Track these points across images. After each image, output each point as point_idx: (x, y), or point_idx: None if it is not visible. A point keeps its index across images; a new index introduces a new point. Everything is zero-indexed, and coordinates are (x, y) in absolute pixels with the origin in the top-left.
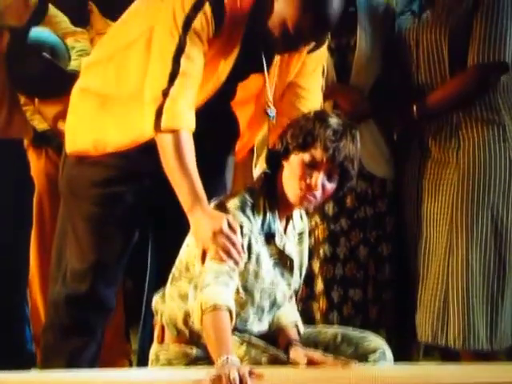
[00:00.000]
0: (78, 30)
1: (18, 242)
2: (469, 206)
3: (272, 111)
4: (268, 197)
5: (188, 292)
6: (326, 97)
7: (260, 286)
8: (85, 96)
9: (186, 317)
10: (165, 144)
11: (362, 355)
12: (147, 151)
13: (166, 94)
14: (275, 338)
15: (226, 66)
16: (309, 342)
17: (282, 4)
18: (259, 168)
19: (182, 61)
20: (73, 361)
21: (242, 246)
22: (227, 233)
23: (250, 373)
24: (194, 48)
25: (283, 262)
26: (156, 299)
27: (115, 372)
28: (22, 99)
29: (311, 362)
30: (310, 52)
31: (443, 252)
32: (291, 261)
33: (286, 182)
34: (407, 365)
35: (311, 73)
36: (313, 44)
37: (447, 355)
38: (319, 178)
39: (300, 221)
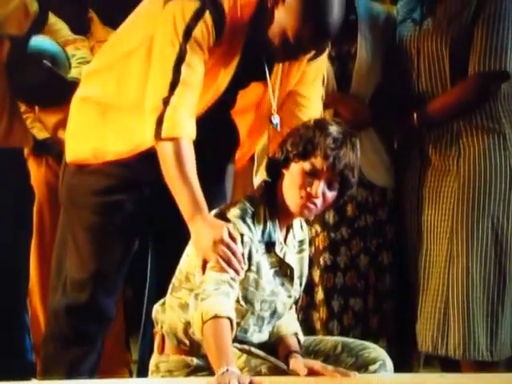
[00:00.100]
0: (79, 38)
1: (18, 250)
2: (469, 215)
3: (276, 119)
4: (268, 205)
5: (188, 302)
6: (326, 105)
7: (260, 296)
8: (85, 104)
9: (187, 327)
10: (165, 152)
11: (362, 365)
12: (147, 160)
13: (166, 102)
14: (275, 347)
15: (226, 75)
16: (309, 352)
17: (283, 13)
18: (260, 176)
19: (183, 69)
20: (73, 370)
21: (243, 256)
22: (228, 242)
23: (250, 383)
24: (195, 56)
25: (283, 271)
26: (156, 309)
27: (115, 382)
28: (23, 108)
29: (311, 372)
30: (310, 61)
31: (443, 261)
32: (291, 270)
33: (286, 191)
34: (407, 374)
35: (311, 81)
36: (313, 53)
37: (447, 365)
38: (319, 186)
39: (300, 230)
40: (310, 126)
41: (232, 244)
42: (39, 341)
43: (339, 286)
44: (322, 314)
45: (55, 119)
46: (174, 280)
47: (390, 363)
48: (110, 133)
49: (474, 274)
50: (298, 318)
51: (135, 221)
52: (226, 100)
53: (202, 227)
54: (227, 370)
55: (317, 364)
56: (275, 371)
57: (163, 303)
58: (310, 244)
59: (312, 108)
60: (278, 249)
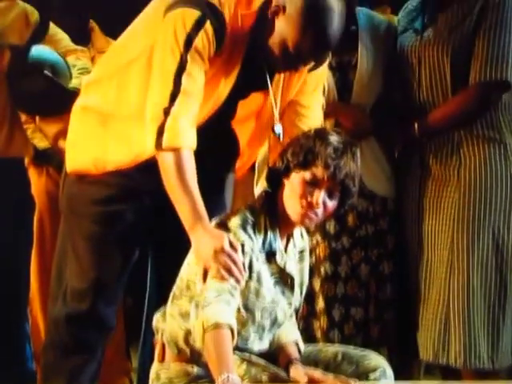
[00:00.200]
0: (79, 48)
1: (18, 259)
2: (470, 225)
3: (278, 128)
4: (269, 215)
5: (189, 310)
6: (327, 115)
7: (261, 305)
8: (85, 114)
9: (187, 335)
10: (166, 162)
11: (363, 373)
12: (147, 169)
13: (167, 112)
14: (276, 356)
15: (226, 85)
16: (309, 361)
17: (283, 24)
18: (260, 186)
19: (184, 79)
20: (73, 379)
21: (243, 265)
22: (228, 251)
23: None
24: (196, 66)
25: (284, 280)
26: (157, 318)
27: None
28: (23, 118)
29: (311, 381)
30: (310, 70)
31: (444, 270)
32: (292, 279)
33: (286, 200)
34: (408, 383)
35: (312, 91)
36: (313, 63)
37: (448, 373)
38: (320, 195)
39: (301, 239)
40: (311, 136)
41: (233, 253)
42: (39, 349)
43: (340, 295)
44: (323, 322)
45: (56, 129)
46: (174, 288)
47: (390, 371)
48: (111, 142)
49: (475, 283)
50: (298, 327)
51: (135, 230)
52: (227, 110)
53: (203, 236)
54: (227, 377)
55: (317, 372)
56: (275, 379)
57: (164, 312)
58: (311, 253)
59: (312, 117)
60: (278, 258)
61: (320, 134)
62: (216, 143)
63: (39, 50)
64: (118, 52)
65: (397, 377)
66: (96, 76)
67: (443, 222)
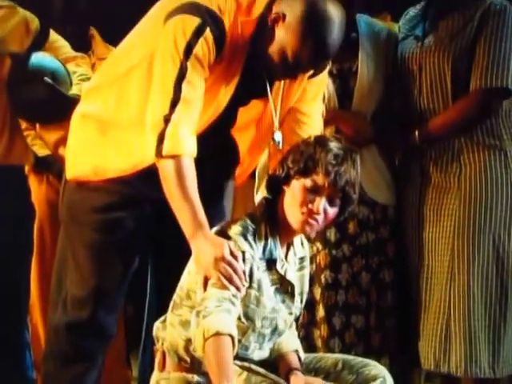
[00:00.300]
0: (79, 55)
1: (18, 267)
2: (470, 232)
3: (278, 136)
4: (269, 223)
5: (189, 319)
6: (328, 123)
7: (261, 313)
8: (85, 121)
9: (188, 344)
10: (166, 170)
11: (363, 382)
12: (148, 177)
13: (167, 119)
14: (276, 365)
15: (227, 92)
16: (309, 369)
17: (283, 32)
18: (261, 194)
19: (184, 87)
20: None
21: (244, 273)
22: (229, 259)
23: None
24: (196, 74)
25: (284, 288)
26: (157, 326)
27: None
28: (24, 125)
29: None
30: (310, 78)
31: (445, 278)
32: (292, 287)
33: (287, 208)
34: None
35: (312, 98)
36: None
37: (449, 382)
38: (321, 202)
39: (301, 247)
40: (311, 143)
41: (233, 261)
42: (40, 357)
43: (341, 303)
44: (323, 331)
45: (56, 136)
46: (174, 297)
47: (390, 380)
48: (111, 150)
49: (476, 291)
50: (298, 336)
51: (136, 238)
52: (227, 117)
53: (204, 244)
54: None
55: (317, 381)
56: None
57: (164, 320)
58: (312, 261)
59: (312, 125)
60: (278, 266)
61: (320, 141)
62: (216, 151)
63: (39, 58)
64: (118, 59)
65: None
66: (96, 83)
67: (444, 230)
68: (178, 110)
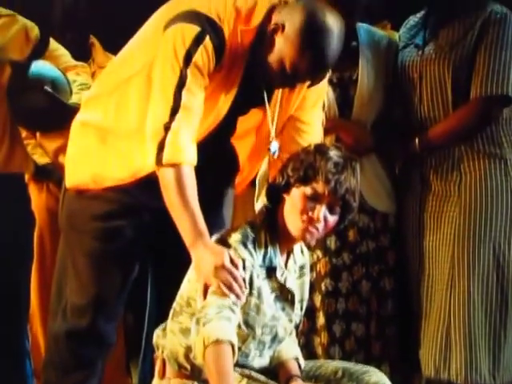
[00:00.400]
0: (80, 63)
1: (18, 276)
2: (470, 240)
3: (274, 146)
4: (269, 231)
5: (189, 327)
6: (328, 131)
7: (261, 321)
8: (85, 130)
9: (188, 351)
10: (166, 179)
11: None
12: (147, 185)
13: (167, 128)
14: (276, 372)
15: (226, 100)
16: (309, 377)
17: (282, 42)
18: (261, 202)
19: (184, 95)
20: None
21: (244, 281)
22: (229, 267)
23: None
24: (195, 82)
25: (284, 296)
26: (157, 334)
27: None
28: (24, 133)
29: None
30: (310, 86)
31: (445, 286)
32: (292, 294)
33: (287, 216)
34: None
35: (311, 107)
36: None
37: None
38: (321, 210)
39: (301, 255)
40: (311, 151)
41: (233, 269)
42: (40, 366)
43: (341, 311)
44: (324, 339)
45: (56, 145)
46: (174, 305)
47: None
48: (110, 158)
49: (476, 298)
50: (299, 343)
51: (135, 246)
52: (227, 125)
53: (204, 253)
54: None
55: None
56: None
57: (164, 328)
58: (312, 269)
59: (312, 133)
60: (278, 274)
61: (320, 150)
62: (216, 159)
63: (39, 66)
64: (117, 68)
65: None
66: (96, 92)
67: (444, 238)
68: (178, 118)
